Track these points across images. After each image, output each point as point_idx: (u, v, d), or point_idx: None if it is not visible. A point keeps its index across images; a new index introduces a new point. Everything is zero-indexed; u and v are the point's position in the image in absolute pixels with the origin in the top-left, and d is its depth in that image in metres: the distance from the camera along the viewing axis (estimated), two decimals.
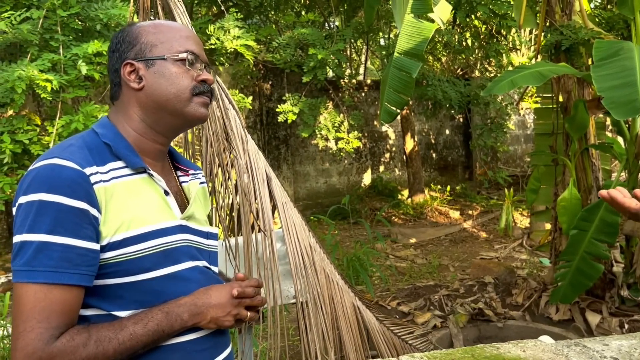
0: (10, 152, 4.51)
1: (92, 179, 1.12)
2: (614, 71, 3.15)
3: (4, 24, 4.47)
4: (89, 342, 1.08)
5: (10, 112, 4.82)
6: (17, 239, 1.09)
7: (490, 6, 7.20)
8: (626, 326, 4.02)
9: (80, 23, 4.81)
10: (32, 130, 4.72)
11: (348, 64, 10.10)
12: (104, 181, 1.14)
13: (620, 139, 4.66)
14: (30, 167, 1.14)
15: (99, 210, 1.12)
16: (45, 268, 1.06)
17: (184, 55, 1.25)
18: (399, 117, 9.30)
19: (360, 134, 8.00)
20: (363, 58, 12.00)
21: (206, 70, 1.30)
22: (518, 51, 10.40)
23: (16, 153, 4.60)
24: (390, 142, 10.99)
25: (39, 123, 4.97)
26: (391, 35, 9.64)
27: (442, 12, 4.77)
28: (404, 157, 10.36)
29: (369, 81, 10.80)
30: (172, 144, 1.43)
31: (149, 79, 1.24)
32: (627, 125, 4.23)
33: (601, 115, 4.64)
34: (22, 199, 1.09)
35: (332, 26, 9.13)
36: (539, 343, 3.10)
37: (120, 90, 1.28)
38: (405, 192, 10.10)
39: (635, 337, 3.19)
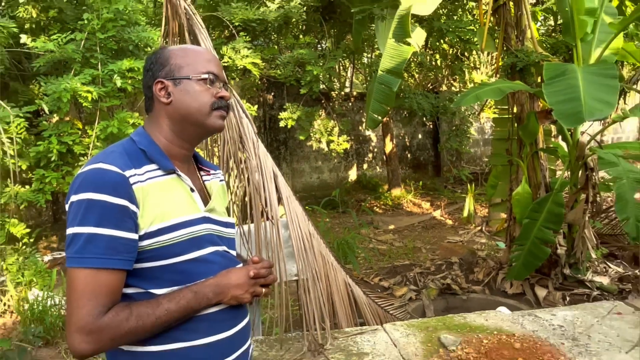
0: (57, 152, 4.51)
1: (131, 180, 1.12)
2: (561, 88, 3.17)
3: (53, 45, 4.45)
4: (131, 317, 1.08)
5: (57, 118, 4.79)
6: (69, 231, 1.08)
7: (457, 33, 7.21)
8: (567, 299, 4.05)
9: (115, 44, 4.79)
10: (75, 133, 4.72)
11: (338, 79, 10.06)
12: (141, 182, 1.14)
13: (563, 144, 4.69)
14: (80, 171, 1.13)
15: (137, 206, 1.12)
16: (94, 255, 1.06)
17: (206, 76, 1.25)
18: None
19: (348, 137, 7.99)
20: (349, 73, 11.95)
21: (224, 88, 1.30)
22: (478, 70, 10.40)
23: (62, 152, 4.61)
24: (373, 144, 10.99)
25: (81, 127, 4.96)
26: (373, 55, 9.61)
27: (418, 38, 4.78)
28: (384, 157, 10.37)
29: (355, 93, 10.77)
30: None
31: (176, 95, 1.24)
32: (569, 133, 4.25)
33: (548, 124, 4.66)
34: (74, 198, 1.09)
35: (324, 47, 9.08)
36: (499, 313, 3.12)
37: (153, 104, 1.28)
38: (385, 187, 10.11)
39: (577, 308, 3.23)
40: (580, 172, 4.19)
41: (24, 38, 4.81)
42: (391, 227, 7.59)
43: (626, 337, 2.68)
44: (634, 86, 7.29)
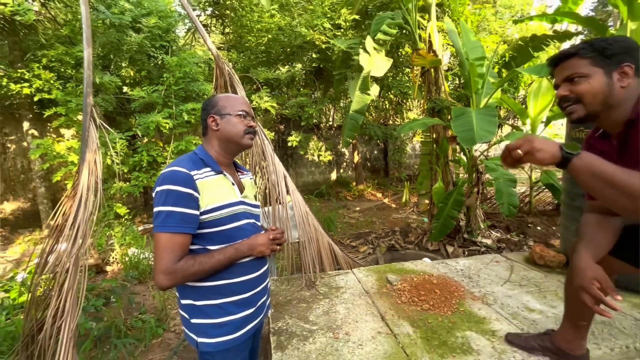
0: (146, 161, 4.46)
1: (195, 177, 1.12)
2: (462, 122, 3.20)
3: (144, 93, 4.41)
4: (195, 264, 1.08)
5: (146, 139, 4.74)
6: (155, 209, 1.08)
7: (399, 87, 7.24)
8: (466, 253, 4.08)
9: (184, 93, 4.75)
10: (158, 149, 4.67)
11: (324, 116, 10.04)
12: (201, 178, 1.14)
13: (464, 157, 4.72)
14: (162, 171, 1.13)
15: (199, 194, 1.12)
16: (172, 224, 1.06)
17: (241, 112, 1.25)
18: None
19: (330, 152, 7.99)
20: (332, 112, 11.93)
21: (252, 121, 1.30)
22: (412, 111, 10.45)
23: (149, 161, 4.56)
24: (346, 156, 10.98)
25: (161, 145, 4.91)
26: (347, 101, 9.60)
27: (374, 90, 4.79)
28: (353, 165, 10.37)
29: (335, 125, 10.76)
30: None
31: (222, 125, 1.24)
32: (468, 150, 4.29)
33: (455, 145, 4.70)
34: (158, 188, 1.09)
35: (316, 96, 9.05)
36: (424, 262, 3.14)
37: (207, 131, 1.28)
38: (354, 183, 10.11)
39: (472, 259, 3.25)
40: (474, 174, 4.23)
41: (126, 89, 4.76)
42: (357, 208, 7.60)
43: (501, 276, 2.72)
44: (507, 121, 7.38)
